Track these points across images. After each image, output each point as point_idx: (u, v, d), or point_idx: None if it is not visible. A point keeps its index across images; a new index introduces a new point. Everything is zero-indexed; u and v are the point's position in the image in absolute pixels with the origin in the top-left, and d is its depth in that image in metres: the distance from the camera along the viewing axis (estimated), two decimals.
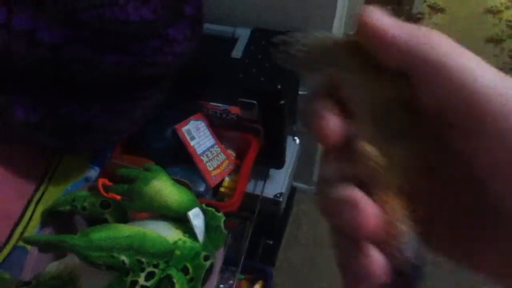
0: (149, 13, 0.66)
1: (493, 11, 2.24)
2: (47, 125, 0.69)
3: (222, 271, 0.81)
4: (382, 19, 0.20)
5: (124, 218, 0.71)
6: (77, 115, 0.71)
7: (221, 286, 0.91)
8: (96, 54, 0.65)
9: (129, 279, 0.54)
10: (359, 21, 0.21)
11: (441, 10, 2.29)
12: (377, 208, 0.21)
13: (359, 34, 0.21)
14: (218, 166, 0.89)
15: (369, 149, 0.22)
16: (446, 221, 0.22)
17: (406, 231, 0.20)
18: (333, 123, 0.22)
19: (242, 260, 0.93)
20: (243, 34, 0.96)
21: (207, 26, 0.90)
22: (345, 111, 0.22)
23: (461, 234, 0.22)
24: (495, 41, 2.12)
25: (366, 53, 0.21)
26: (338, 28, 1.06)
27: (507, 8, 2.25)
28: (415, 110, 0.21)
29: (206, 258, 0.60)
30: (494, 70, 0.19)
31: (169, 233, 0.60)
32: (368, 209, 0.20)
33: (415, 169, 0.21)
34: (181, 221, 0.63)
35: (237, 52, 0.92)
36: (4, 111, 0.66)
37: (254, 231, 1.01)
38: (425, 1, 2.30)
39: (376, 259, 0.20)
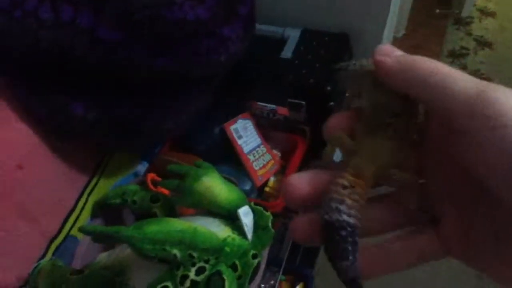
0: (205, 12, 0.67)
1: None
2: (103, 123, 0.71)
3: (263, 270, 0.81)
4: (387, 57, 0.25)
5: (172, 213, 0.72)
6: (130, 115, 0.72)
7: (262, 285, 0.91)
8: (151, 53, 0.66)
9: (180, 273, 0.55)
10: (373, 55, 0.25)
11: (492, 14, 2.19)
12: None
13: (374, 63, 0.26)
14: (264, 166, 0.89)
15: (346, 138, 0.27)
16: (456, 220, 0.25)
17: (336, 199, 0.24)
18: (340, 120, 0.27)
19: (284, 261, 0.92)
20: (293, 34, 0.96)
21: (257, 26, 0.90)
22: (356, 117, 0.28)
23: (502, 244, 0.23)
24: None
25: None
26: (389, 30, 1.04)
27: None
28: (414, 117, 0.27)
29: (254, 256, 0.60)
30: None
31: (218, 230, 0.61)
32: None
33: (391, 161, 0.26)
34: (230, 218, 0.64)
35: (286, 52, 0.92)
36: (64, 108, 0.68)
37: None
38: (475, 5, 2.20)
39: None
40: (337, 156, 0.34)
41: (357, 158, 0.25)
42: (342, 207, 0.23)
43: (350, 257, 0.23)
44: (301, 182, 0.25)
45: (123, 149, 0.84)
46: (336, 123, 0.27)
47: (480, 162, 0.21)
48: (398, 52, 0.25)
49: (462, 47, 2.05)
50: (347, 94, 0.30)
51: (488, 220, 0.23)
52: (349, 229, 0.23)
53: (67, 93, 0.68)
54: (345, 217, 0.23)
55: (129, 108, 0.71)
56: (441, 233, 0.25)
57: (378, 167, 0.25)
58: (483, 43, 2.06)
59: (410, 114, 0.26)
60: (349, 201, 0.23)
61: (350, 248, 0.23)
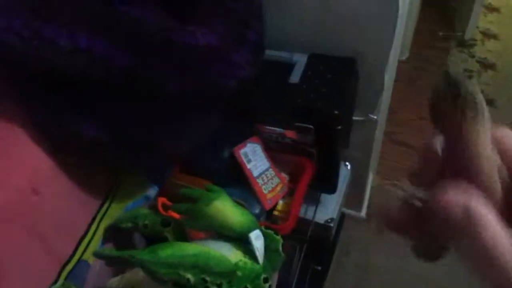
0: (215, 39, 0.69)
1: None
2: (115, 144, 0.73)
3: None
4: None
5: (183, 237, 0.73)
6: (142, 135, 0.74)
7: None
8: (163, 77, 0.68)
9: None
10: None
11: (494, 36, 2.21)
12: None
13: None
14: (273, 189, 0.90)
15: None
16: None
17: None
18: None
19: (294, 285, 0.92)
20: (300, 59, 0.98)
21: (266, 51, 0.92)
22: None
23: None
24: None
25: None
26: (394, 53, 1.06)
27: None
28: None
29: (266, 280, 0.61)
30: None
31: (230, 254, 0.61)
32: None
33: None
34: (241, 242, 0.64)
35: (294, 77, 0.94)
36: (75, 129, 0.69)
37: (303, 256, 1.00)
38: (477, 27, 2.23)
39: None
40: None
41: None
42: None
43: None
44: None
45: (135, 169, 0.85)
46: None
47: None
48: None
49: (466, 70, 2.07)
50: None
51: None
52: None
53: (80, 113, 0.70)
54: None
55: (142, 129, 0.73)
56: None
57: None
58: (486, 65, 2.08)
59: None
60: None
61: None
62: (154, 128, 0.75)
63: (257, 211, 0.87)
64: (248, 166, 0.89)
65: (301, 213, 1.01)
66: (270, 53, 0.98)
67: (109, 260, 0.66)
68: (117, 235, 0.80)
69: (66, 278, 0.75)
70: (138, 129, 0.74)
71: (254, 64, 0.79)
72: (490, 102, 1.84)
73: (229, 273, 0.57)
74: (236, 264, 0.59)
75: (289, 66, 0.98)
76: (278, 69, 0.98)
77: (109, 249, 0.74)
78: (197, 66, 0.70)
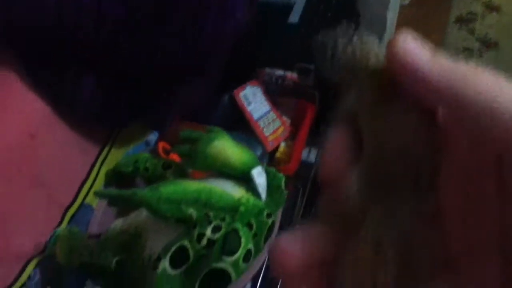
0: None
1: None
2: (113, 104, 0.71)
3: (276, 235, 0.82)
4: (414, 51, 0.18)
5: (185, 178, 0.72)
6: (143, 91, 0.72)
7: None
8: (158, 27, 0.66)
9: (196, 232, 0.55)
10: (389, 50, 0.19)
11: (494, 44, 2.06)
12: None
13: (388, 62, 0.19)
14: (274, 132, 0.89)
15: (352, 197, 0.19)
16: None
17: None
18: (336, 156, 0.20)
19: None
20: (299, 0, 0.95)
21: None
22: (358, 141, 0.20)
23: None
24: None
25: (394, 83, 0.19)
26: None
27: None
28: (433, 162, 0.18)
29: (269, 216, 0.61)
30: None
31: (232, 191, 0.61)
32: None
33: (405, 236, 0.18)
34: (243, 180, 0.64)
35: (294, 17, 0.91)
36: (72, 89, 0.68)
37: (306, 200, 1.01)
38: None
39: None
40: None
41: (372, 229, 0.18)
42: None
43: None
44: (292, 245, 0.20)
45: (134, 124, 0.84)
46: (333, 163, 0.20)
47: None
48: (428, 53, 0.18)
49: (469, 12, 2.02)
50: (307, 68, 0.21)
51: None
52: None
53: (78, 69, 0.68)
54: None
55: (144, 83, 0.71)
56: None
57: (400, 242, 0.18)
58: (491, 7, 2.03)
59: (431, 159, 0.18)
60: None
61: None
62: (150, 80, 0.73)
63: (258, 153, 0.87)
64: (248, 108, 0.88)
65: (304, 157, 1.01)
66: None
67: (111, 200, 0.66)
68: (118, 179, 0.80)
69: (69, 222, 0.75)
70: (136, 90, 0.72)
71: (252, 5, 0.76)
72: (493, 45, 1.81)
73: (232, 208, 0.57)
74: (239, 200, 0.59)
75: (288, 7, 0.95)
76: (277, 10, 0.96)
77: (110, 189, 0.74)
78: (192, 10, 0.68)
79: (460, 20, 1.98)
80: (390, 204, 0.18)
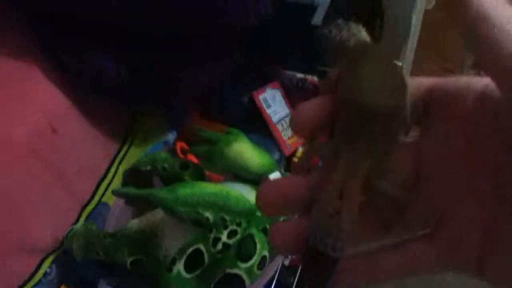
0: None
1: None
2: (135, 78, 0.71)
3: None
4: None
5: (202, 179, 0.72)
6: (162, 68, 0.72)
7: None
8: (182, 14, 0.65)
9: (212, 236, 0.55)
10: None
11: None
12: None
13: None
14: (293, 136, 0.89)
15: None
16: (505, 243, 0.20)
17: (318, 225, 0.21)
18: (312, 110, 0.23)
19: None
20: (323, 1, 0.94)
21: None
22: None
23: None
24: None
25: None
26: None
27: None
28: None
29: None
30: None
31: (249, 195, 0.61)
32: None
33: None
34: (260, 184, 0.63)
35: (317, 19, 0.90)
36: (97, 63, 0.68)
37: None
38: None
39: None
40: None
41: (338, 173, 0.21)
42: (329, 240, 0.21)
43: (328, 286, 0.21)
44: (276, 188, 0.23)
45: (155, 107, 0.84)
46: (307, 114, 0.23)
47: None
48: None
49: None
50: (328, 71, 0.24)
51: None
52: (332, 264, 0.21)
53: (100, 48, 0.68)
54: (330, 250, 0.21)
55: (162, 62, 0.71)
56: (440, 245, 0.22)
57: (366, 179, 0.21)
58: None
59: (393, 112, 0.21)
60: (337, 232, 0.21)
61: (329, 279, 0.21)
62: (174, 64, 0.73)
63: (276, 157, 0.86)
64: (268, 111, 0.87)
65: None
66: None
67: (128, 199, 0.66)
68: (136, 178, 0.80)
69: (86, 219, 0.76)
70: (159, 64, 0.72)
71: (275, 2, 0.75)
72: None
73: (248, 212, 0.57)
74: (255, 205, 0.59)
75: (311, 8, 0.94)
76: (300, 11, 0.95)
77: (128, 188, 0.74)
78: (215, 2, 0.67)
79: None
80: (358, 152, 0.21)
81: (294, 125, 0.23)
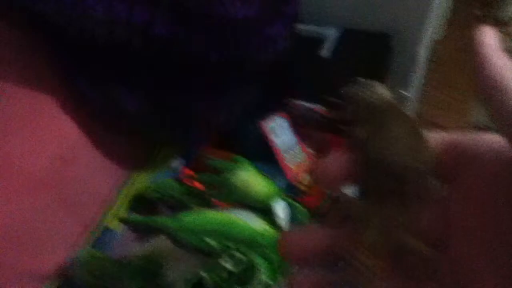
0: (253, 11, 0.68)
1: None
2: (155, 117, 0.73)
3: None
4: (490, 41, 0.21)
5: (208, 207, 0.72)
6: (183, 108, 0.74)
7: None
8: (203, 49, 0.67)
9: (216, 264, 0.55)
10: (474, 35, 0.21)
11: None
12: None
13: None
14: (300, 164, 0.89)
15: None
16: None
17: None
18: (337, 163, 0.23)
19: None
20: (332, 34, 0.96)
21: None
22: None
23: None
24: None
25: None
26: (430, 30, 1.02)
27: None
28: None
29: None
30: None
31: (254, 223, 0.61)
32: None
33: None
34: (265, 212, 0.64)
35: (326, 52, 0.92)
36: (118, 102, 0.70)
37: None
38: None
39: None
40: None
41: (369, 231, 0.22)
42: None
43: None
44: (298, 236, 0.24)
45: (172, 142, 0.86)
46: (333, 166, 0.23)
47: None
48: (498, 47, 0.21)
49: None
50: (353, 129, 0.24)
51: None
52: None
53: (123, 87, 0.70)
54: None
55: (184, 101, 0.73)
56: None
57: (393, 240, 0.22)
58: None
59: (421, 172, 0.22)
60: None
61: None
62: (193, 101, 0.74)
63: (283, 185, 0.86)
64: (275, 140, 0.87)
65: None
66: (300, 26, 0.95)
67: (134, 226, 0.66)
68: (143, 205, 0.81)
69: (92, 245, 0.76)
70: (179, 100, 0.74)
71: (289, 38, 0.77)
72: None
73: (252, 240, 0.57)
74: (260, 233, 0.59)
75: (320, 41, 0.96)
76: (309, 43, 0.96)
77: (135, 216, 0.74)
78: (235, 38, 0.69)
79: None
80: (390, 211, 0.22)
81: (317, 180, 0.24)
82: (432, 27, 1.05)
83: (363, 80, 0.25)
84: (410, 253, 0.22)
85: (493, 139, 0.21)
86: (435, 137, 0.23)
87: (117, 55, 0.65)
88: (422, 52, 1.05)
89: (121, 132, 0.77)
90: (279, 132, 0.90)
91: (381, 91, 0.25)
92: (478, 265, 0.21)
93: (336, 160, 0.23)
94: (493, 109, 0.20)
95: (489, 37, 0.21)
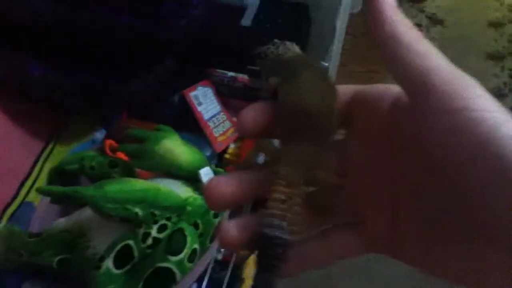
0: None
1: (495, 25, 2.13)
2: (64, 86, 0.69)
3: None
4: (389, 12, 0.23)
5: (132, 177, 0.72)
6: (93, 78, 0.71)
7: (222, 250, 0.92)
8: (111, 15, 0.65)
9: (141, 231, 0.55)
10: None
11: (440, 22, 2.20)
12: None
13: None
14: (224, 133, 0.90)
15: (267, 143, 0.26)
16: (412, 227, 0.24)
17: (272, 213, 0.23)
18: (255, 114, 0.25)
19: None
20: (252, 3, 0.96)
21: None
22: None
23: (427, 239, 0.23)
24: (496, 57, 2.01)
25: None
26: (346, 2, 1.06)
27: (510, 21, 2.14)
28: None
29: (216, 216, 0.62)
30: (447, 59, 0.21)
31: (180, 191, 0.61)
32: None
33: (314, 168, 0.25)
34: (191, 179, 0.64)
35: (246, 20, 0.92)
36: (21, 68, 0.66)
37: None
38: (423, 11, 2.20)
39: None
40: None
41: (285, 166, 0.24)
42: (284, 224, 0.23)
43: (278, 271, 0.23)
44: (225, 183, 0.24)
45: (84, 112, 0.82)
46: (251, 117, 0.25)
47: (441, 144, 0.20)
48: (394, 5, 0.23)
49: (415, 24, 2.09)
50: (266, 83, 0.27)
51: (420, 213, 0.23)
52: (286, 247, 0.23)
53: (26, 52, 0.66)
54: (285, 234, 0.23)
55: (92, 72, 0.70)
56: (362, 232, 0.25)
57: (305, 172, 0.24)
58: (435, 20, 2.12)
59: (326, 112, 0.25)
60: (290, 217, 0.23)
61: (281, 264, 0.23)
62: (103, 70, 0.72)
63: (208, 154, 0.87)
64: (199, 109, 0.88)
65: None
66: None
67: (55, 197, 0.64)
68: (62, 178, 0.78)
69: (9, 220, 0.73)
70: (89, 73, 0.71)
71: (205, 4, 0.77)
72: None
73: (178, 207, 0.57)
74: (185, 200, 0.59)
75: (240, 9, 0.96)
76: (229, 12, 0.96)
77: (54, 186, 0.72)
78: (147, 4, 0.68)
79: None
80: (298, 148, 0.25)
81: (241, 129, 0.25)
82: (348, 1, 1.10)
83: (277, 40, 0.28)
84: (319, 183, 0.25)
85: (380, 88, 0.25)
86: (340, 88, 0.26)
87: (20, 19, 0.62)
88: (339, 24, 1.09)
89: (31, 102, 0.73)
90: (203, 100, 0.90)
91: (293, 47, 0.28)
92: (371, 195, 0.25)
93: (254, 111, 0.25)
94: (388, 59, 0.22)
95: None
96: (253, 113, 0.25)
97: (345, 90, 0.26)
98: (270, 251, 0.23)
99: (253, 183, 0.25)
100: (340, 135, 0.27)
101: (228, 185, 0.24)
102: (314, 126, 0.25)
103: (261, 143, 0.26)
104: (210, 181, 0.25)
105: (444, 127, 0.19)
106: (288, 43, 0.28)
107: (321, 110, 0.25)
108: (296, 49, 0.28)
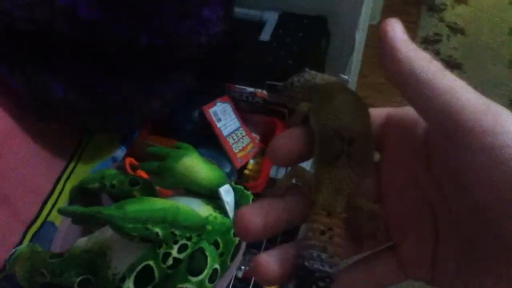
0: None
1: None
2: (84, 104, 0.70)
3: (244, 252, 0.82)
4: (398, 30, 0.22)
5: (152, 195, 0.71)
6: (112, 95, 0.71)
7: (243, 267, 0.91)
8: (132, 33, 0.65)
9: (162, 251, 0.54)
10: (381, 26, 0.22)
11: (464, 1, 2.19)
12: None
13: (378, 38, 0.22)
14: (243, 149, 0.89)
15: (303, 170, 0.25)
16: (452, 255, 0.23)
17: (312, 244, 0.23)
18: (288, 141, 0.25)
19: (264, 243, 0.93)
20: (271, 17, 0.96)
21: (235, 9, 0.90)
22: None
23: (463, 265, 0.22)
24: None
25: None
26: (365, 14, 1.05)
27: None
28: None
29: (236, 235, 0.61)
30: (476, 92, 0.20)
31: (200, 209, 0.61)
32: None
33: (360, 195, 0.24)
34: (211, 197, 0.64)
35: (264, 35, 0.92)
36: (43, 89, 0.67)
37: None
38: (443, 21, 2.18)
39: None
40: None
41: (323, 194, 0.24)
42: (324, 256, 0.22)
43: None
44: (257, 214, 0.24)
45: (104, 130, 0.83)
46: (284, 144, 0.25)
47: (481, 181, 0.19)
48: (406, 38, 0.22)
49: (436, 34, 2.07)
50: (295, 111, 0.28)
51: (457, 243, 0.23)
52: (327, 280, 0.22)
53: (48, 73, 0.67)
54: (326, 267, 0.22)
55: (113, 87, 0.70)
56: (400, 258, 0.25)
57: (346, 200, 0.24)
58: (455, 29, 2.09)
59: (365, 136, 0.24)
60: (331, 249, 0.23)
61: None
62: (123, 88, 0.72)
63: (227, 170, 0.86)
64: (218, 125, 0.87)
65: (272, 174, 1.01)
66: (239, 10, 0.95)
67: (75, 218, 0.64)
68: (83, 196, 0.78)
69: (31, 239, 0.73)
70: (108, 89, 0.71)
71: (225, 21, 0.77)
72: (458, 66, 1.86)
73: (198, 227, 0.57)
74: (206, 218, 0.59)
75: (259, 25, 0.96)
76: (248, 27, 0.96)
77: (74, 206, 0.72)
78: (168, 20, 0.68)
79: (426, 41, 2.04)
80: (338, 175, 0.24)
81: (275, 157, 0.25)
82: (368, 11, 1.08)
83: (308, 69, 0.29)
84: (360, 210, 0.24)
85: (411, 111, 0.24)
86: (373, 111, 0.26)
87: (40, 39, 0.62)
88: (358, 36, 1.08)
89: (53, 122, 0.74)
90: (222, 116, 0.90)
91: (325, 76, 0.28)
92: (410, 220, 0.24)
93: (289, 136, 0.25)
94: (410, 98, 0.21)
95: (397, 29, 0.22)
96: (285, 140, 0.25)
97: (378, 113, 0.26)
98: (311, 285, 0.22)
99: (286, 211, 0.24)
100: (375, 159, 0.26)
101: (260, 216, 0.23)
102: (356, 151, 0.24)
103: (296, 169, 0.26)
104: (240, 212, 0.24)
105: (484, 164, 0.18)
106: (311, 71, 0.29)
107: (362, 134, 0.24)
108: (328, 76, 0.28)
